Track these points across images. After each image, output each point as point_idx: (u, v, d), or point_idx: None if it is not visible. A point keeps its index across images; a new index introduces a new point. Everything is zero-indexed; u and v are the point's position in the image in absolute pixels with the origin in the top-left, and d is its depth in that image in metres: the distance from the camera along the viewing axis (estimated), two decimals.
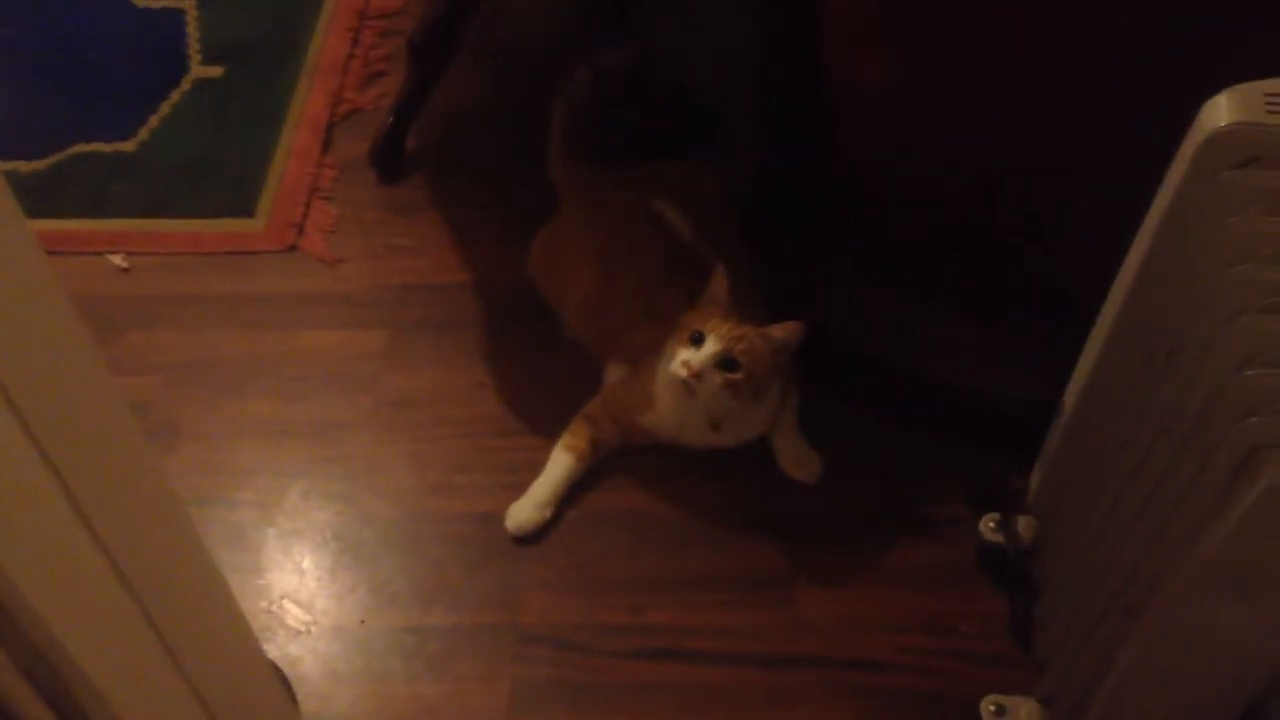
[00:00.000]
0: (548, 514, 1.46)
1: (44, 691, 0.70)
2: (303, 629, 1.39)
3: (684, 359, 1.35)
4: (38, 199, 1.83)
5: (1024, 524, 1.36)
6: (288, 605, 1.41)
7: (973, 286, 1.44)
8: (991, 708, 1.25)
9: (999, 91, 1.27)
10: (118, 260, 1.77)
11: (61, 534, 0.69)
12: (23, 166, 1.88)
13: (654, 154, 1.65)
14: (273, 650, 1.37)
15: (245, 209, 1.83)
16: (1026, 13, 1.20)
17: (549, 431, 1.51)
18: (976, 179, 1.36)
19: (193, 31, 2.07)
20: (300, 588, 1.43)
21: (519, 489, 1.47)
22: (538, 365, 1.61)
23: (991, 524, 1.37)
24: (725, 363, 1.35)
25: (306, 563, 1.45)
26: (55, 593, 0.68)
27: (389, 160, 1.85)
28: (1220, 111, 0.92)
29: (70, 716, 0.72)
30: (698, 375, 1.34)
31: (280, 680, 1.31)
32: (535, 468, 1.48)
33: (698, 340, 1.36)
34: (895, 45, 1.33)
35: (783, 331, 1.36)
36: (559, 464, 1.47)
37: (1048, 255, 1.37)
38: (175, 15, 2.09)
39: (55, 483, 0.67)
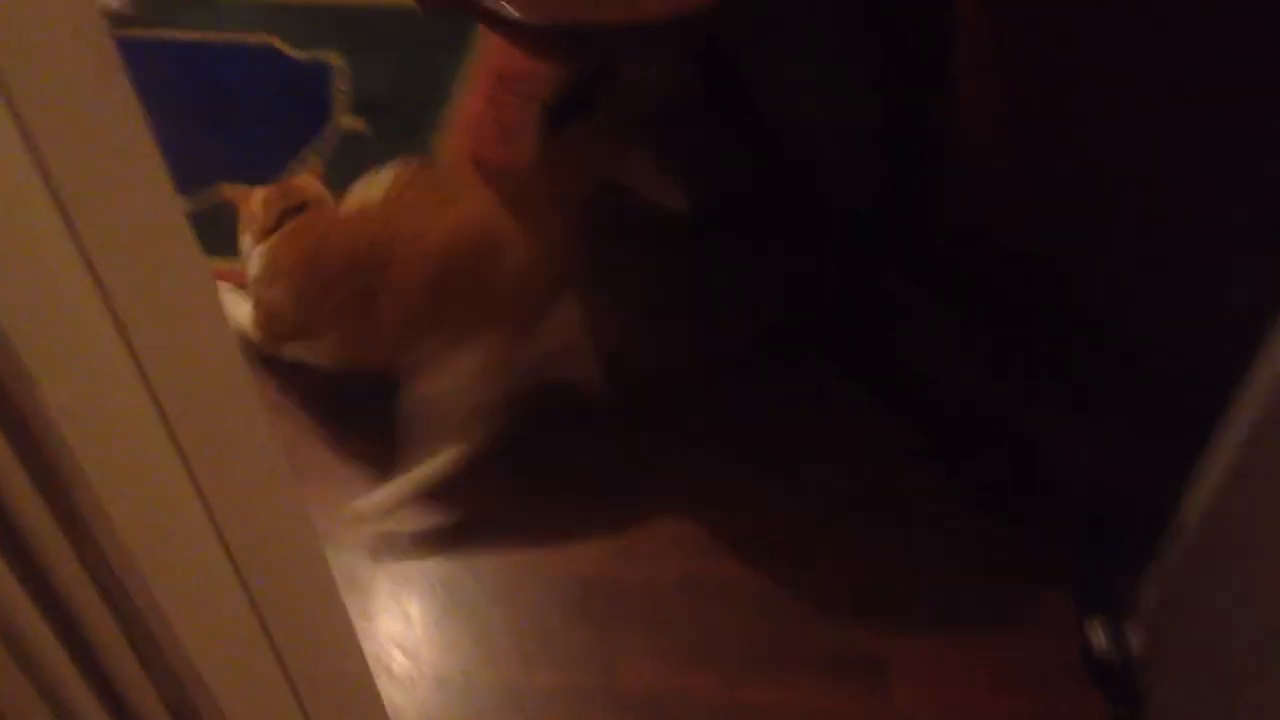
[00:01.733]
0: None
1: (165, 698, 0.75)
2: (406, 676, 1.43)
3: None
4: None
5: (1132, 630, 1.33)
6: (394, 651, 1.45)
7: (1076, 371, 1.42)
8: None
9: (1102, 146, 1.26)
10: None
11: (208, 563, 0.73)
12: None
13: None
14: None
15: None
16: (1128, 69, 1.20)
17: (644, 491, 1.56)
18: (1082, 247, 1.35)
19: (339, 84, 2.16)
20: (407, 635, 1.47)
21: (625, 553, 1.50)
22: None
23: (1098, 627, 1.35)
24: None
25: (414, 610, 1.49)
26: (186, 606, 0.72)
27: None
28: None
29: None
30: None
31: None
32: (635, 526, 1.52)
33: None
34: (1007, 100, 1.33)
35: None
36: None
37: (1158, 338, 1.35)
38: (324, 68, 2.19)
39: (203, 509, 0.72)
